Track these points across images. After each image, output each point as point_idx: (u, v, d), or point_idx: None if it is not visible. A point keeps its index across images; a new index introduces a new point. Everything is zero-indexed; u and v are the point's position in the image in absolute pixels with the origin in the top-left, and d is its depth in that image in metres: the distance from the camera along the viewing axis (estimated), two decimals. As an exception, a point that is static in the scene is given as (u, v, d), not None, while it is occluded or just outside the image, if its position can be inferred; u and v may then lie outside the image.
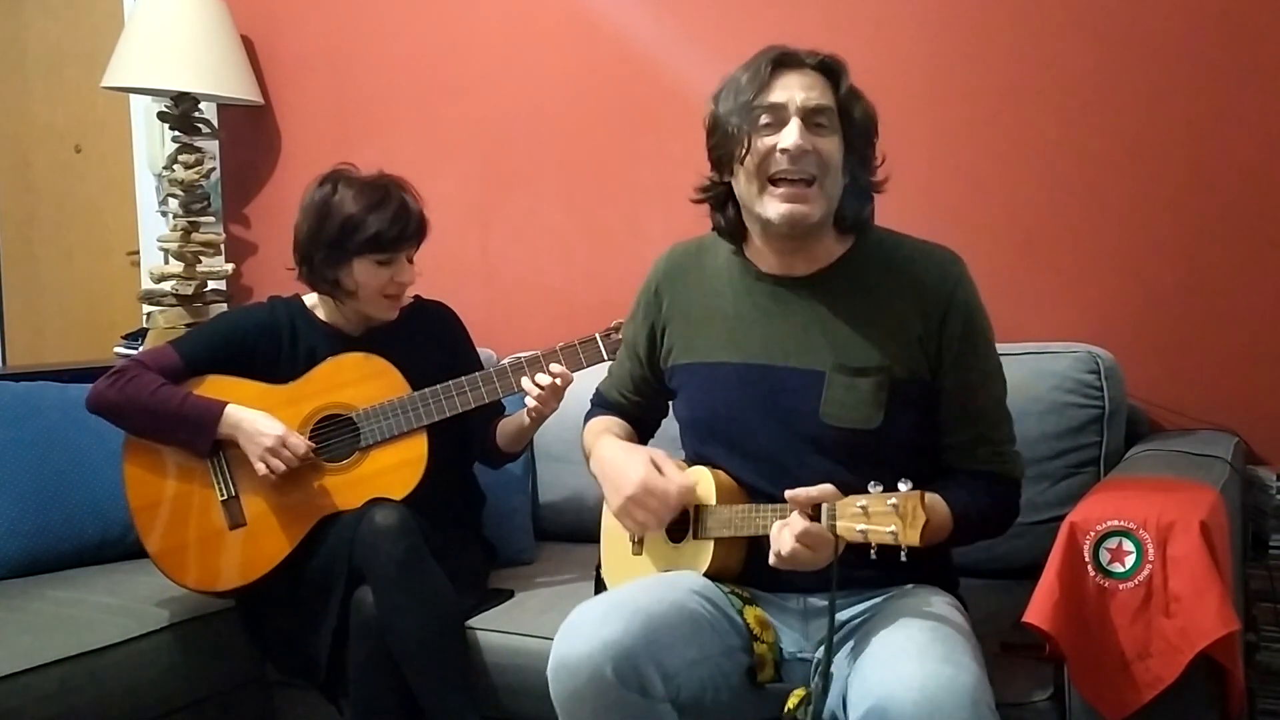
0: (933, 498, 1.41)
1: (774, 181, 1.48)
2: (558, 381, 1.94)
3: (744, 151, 1.47)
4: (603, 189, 2.64)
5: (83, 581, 2.19)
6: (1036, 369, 1.96)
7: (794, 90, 1.46)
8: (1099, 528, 1.41)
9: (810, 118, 1.46)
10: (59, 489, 2.32)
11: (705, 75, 2.49)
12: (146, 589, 2.09)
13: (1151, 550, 1.38)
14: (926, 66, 2.28)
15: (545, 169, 2.71)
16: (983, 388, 1.54)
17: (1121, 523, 1.40)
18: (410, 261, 2.06)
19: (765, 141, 1.46)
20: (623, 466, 1.59)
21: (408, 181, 2.08)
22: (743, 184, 1.51)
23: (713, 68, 2.47)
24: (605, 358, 1.98)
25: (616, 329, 1.98)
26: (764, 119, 1.47)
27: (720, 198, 1.59)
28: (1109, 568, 1.40)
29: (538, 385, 1.94)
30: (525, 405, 1.98)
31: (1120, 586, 1.39)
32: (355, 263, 2.00)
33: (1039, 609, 1.41)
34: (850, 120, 1.49)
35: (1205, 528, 1.37)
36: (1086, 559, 1.41)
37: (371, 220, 1.98)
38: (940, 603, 1.48)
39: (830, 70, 1.50)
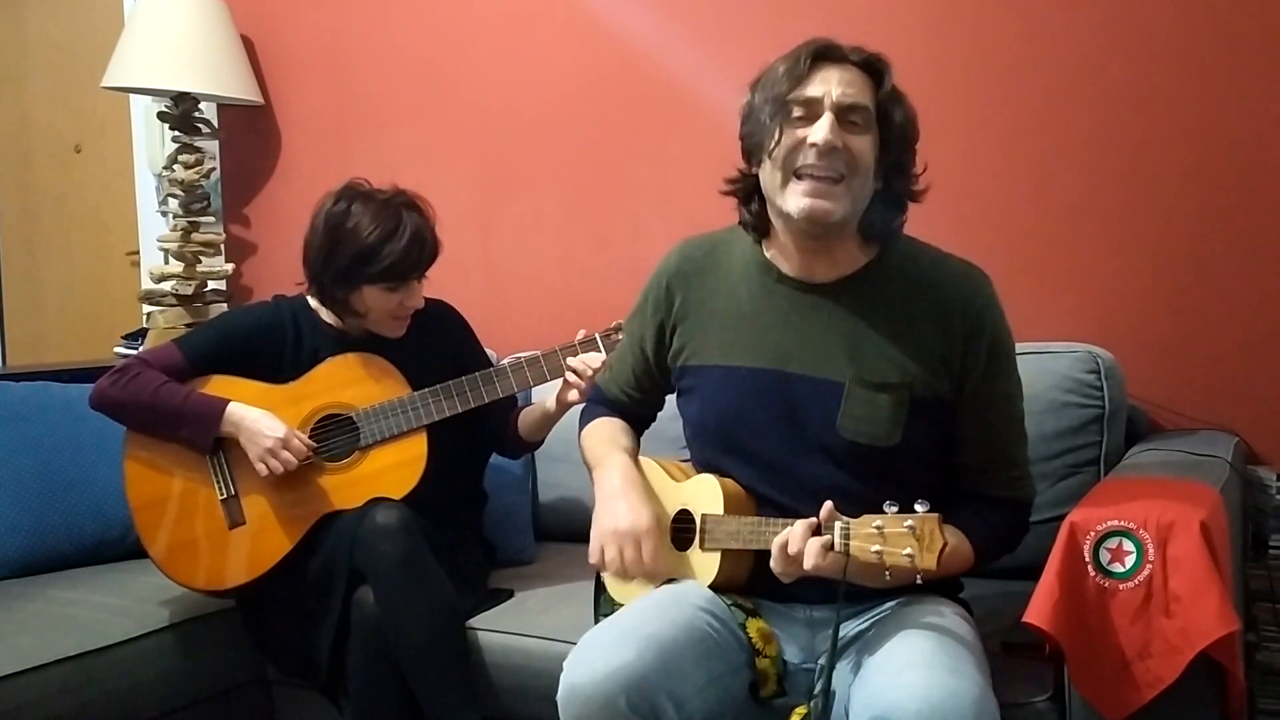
0: (951, 530, 1.39)
1: (799, 175, 1.43)
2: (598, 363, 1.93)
3: (774, 143, 1.43)
4: (603, 189, 2.64)
5: (83, 581, 2.19)
6: (1036, 369, 1.96)
7: (831, 84, 1.41)
8: (1099, 528, 1.41)
9: (844, 114, 1.41)
10: (59, 489, 2.32)
11: (706, 75, 2.53)
12: (146, 589, 2.10)
13: (1151, 550, 1.38)
14: (926, 67, 2.27)
15: (545, 168, 2.71)
16: (1003, 409, 1.52)
17: (1121, 523, 1.40)
18: (420, 282, 2.04)
19: (795, 134, 1.42)
20: (634, 505, 1.54)
21: (421, 199, 2.05)
22: (768, 175, 1.47)
23: (713, 67, 2.50)
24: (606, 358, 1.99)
25: (617, 329, 1.98)
26: (797, 111, 1.42)
27: (748, 190, 1.55)
28: (1109, 568, 1.40)
29: (589, 366, 1.93)
30: (564, 387, 1.97)
31: (1120, 586, 1.39)
32: (365, 289, 1.99)
33: (1039, 609, 1.41)
34: (889, 122, 1.45)
35: (1205, 528, 1.37)
36: (1086, 559, 1.41)
37: (385, 252, 1.95)
38: (946, 613, 1.47)
39: (873, 68, 1.46)
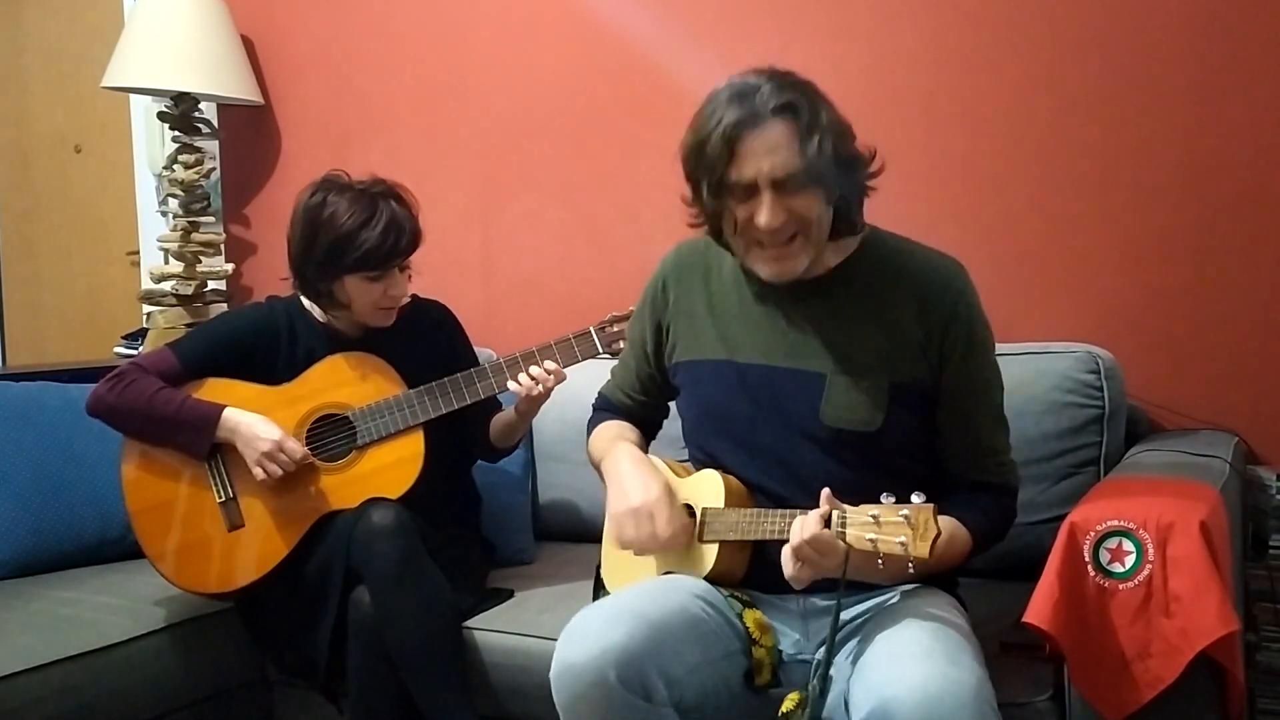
0: (946, 520, 1.40)
1: (759, 243, 1.48)
2: (551, 380, 1.95)
3: (732, 229, 1.49)
4: (602, 187, 2.64)
5: (83, 581, 2.19)
6: (1036, 369, 1.96)
7: (760, 160, 1.42)
8: (1099, 528, 1.41)
9: (780, 186, 1.43)
10: (59, 489, 2.32)
11: (705, 74, 2.49)
12: (146, 589, 2.10)
13: (1151, 550, 1.38)
14: (926, 66, 2.28)
15: (545, 168, 2.70)
16: (982, 395, 1.55)
17: (1121, 523, 1.40)
18: (403, 270, 2.03)
19: (743, 211, 1.46)
20: (643, 480, 1.59)
21: (401, 187, 2.04)
22: (729, 239, 1.52)
23: (712, 66, 2.48)
24: (600, 351, 2.00)
25: (611, 322, 1.99)
26: (737, 192, 1.45)
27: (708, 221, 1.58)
28: (1109, 568, 1.40)
29: (531, 378, 1.96)
30: (516, 400, 2.00)
31: (1120, 586, 1.39)
32: (346, 279, 1.99)
33: (1039, 609, 1.41)
34: (819, 163, 1.43)
35: (1205, 528, 1.37)
36: (1086, 559, 1.41)
37: (361, 238, 1.94)
38: (942, 604, 1.49)
39: (790, 109, 1.43)
